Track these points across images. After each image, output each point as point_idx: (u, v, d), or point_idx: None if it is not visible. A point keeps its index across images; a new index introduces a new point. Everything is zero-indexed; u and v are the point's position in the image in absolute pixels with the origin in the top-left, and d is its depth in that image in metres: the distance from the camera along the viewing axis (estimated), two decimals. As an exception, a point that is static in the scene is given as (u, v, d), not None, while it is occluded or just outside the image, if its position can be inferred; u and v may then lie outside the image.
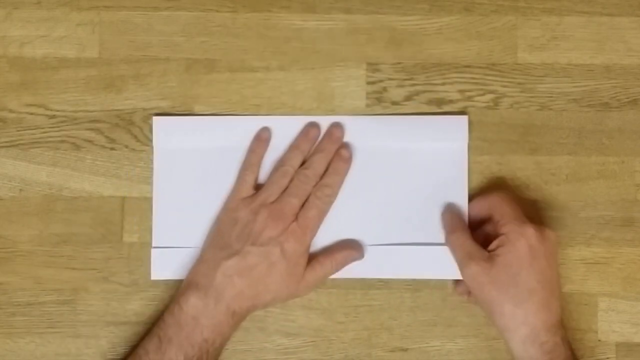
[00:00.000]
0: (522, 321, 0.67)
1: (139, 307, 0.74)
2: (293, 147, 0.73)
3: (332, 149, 0.73)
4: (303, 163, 0.73)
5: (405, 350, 0.74)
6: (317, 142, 0.74)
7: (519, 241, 0.67)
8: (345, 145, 0.73)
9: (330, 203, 0.72)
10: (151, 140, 0.74)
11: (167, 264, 0.73)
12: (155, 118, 0.73)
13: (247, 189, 0.72)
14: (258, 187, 0.72)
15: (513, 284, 0.67)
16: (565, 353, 0.66)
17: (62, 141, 0.75)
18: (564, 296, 0.73)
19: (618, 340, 0.74)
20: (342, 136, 0.74)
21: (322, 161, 0.72)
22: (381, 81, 0.75)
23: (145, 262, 0.74)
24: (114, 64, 0.75)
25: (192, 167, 0.74)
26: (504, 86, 0.75)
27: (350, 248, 0.73)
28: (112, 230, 0.74)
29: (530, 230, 0.68)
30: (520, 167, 0.74)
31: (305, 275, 0.70)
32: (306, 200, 0.71)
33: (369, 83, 0.75)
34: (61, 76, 0.75)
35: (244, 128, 0.74)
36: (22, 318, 0.73)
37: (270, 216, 0.70)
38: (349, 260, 0.72)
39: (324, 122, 0.74)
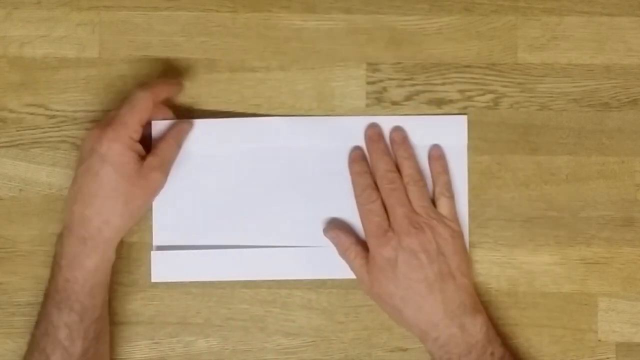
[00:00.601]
0: (409, 326, 0.70)
1: (139, 307, 0.74)
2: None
3: (382, 146, 0.74)
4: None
5: (405, 350, 0.74)
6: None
7: (377, 255, 0.70)
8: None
9: (148, 102, 0.69)
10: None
11: (168, 267, 0.73)
12: (153, 122, 0.73)
13: (99, 123, 0.69)
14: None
15: (388, 296, 0.69)
16: (465, 339, 0.68)
17: (62, 141, 0.75)
18: (563, 296, 0.73)
19: (618, 340, 0.74)
20: (381, 132, 0.74)
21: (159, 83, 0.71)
22: (381, 81, 0.75)
23: (145, 262, 0.74)
24: (114, 64, 0.75)
25: (193, 168, 0.74)
26: (504, 86, 0.75)
27: (183, 122, 0.72)
28: (112, 230, 0.74)
29: (383, 242, 0.69)
30: (520, 167, 0.74)
31: (146, 162, 0.68)
32: None
33: (369, 83, 0.75)
34: (61, 76, 0.75)
35: (243, 130, 0.74)
36: (22, 318, 0.73)
37: (94, 129, 0.68)
38: (185, 130, 0.72)
39: (327, 122, 0.74)
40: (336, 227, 0.73)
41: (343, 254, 0.72)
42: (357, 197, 0.72)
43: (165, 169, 0.70)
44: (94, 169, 0.67)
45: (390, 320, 0.73)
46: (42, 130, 0.75)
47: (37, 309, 0.72)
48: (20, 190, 0.74)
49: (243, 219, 0.73)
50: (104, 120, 0.69)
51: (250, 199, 0.74)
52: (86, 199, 0.67)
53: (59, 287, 0.66)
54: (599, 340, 0.74)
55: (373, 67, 0.75)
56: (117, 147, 0.67)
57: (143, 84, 0.70)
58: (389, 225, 0.70)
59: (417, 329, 0.69)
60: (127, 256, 0.74)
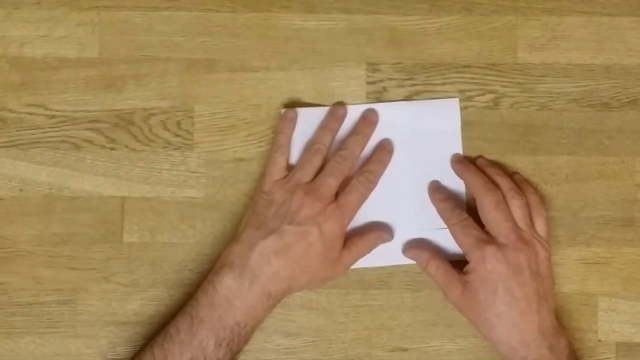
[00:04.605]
0: (497, 342, 0.68)
1: (139, 307, 0.74)
2: (322, 126, 0.73)
3: (368, 132, 0.73)
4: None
5: (405, 350, 0.74)
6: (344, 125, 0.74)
7: (480, 266, 0.68)
8: (387, 139, 0.74)
9: (371, 190, 0.72)
10: (152, 140, 0.74)
11: None
12: (284, 110, 0.74)
13: (280, 171, 0.72)
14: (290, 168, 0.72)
15: (482, 310, 0.68)
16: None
17: (62, 141, 0.75)
18: (563, 296, 0.73)
19: (618, 340, 0.74)
20: (377, 120, 0.74)
21: (357, 143, 0.73)
22: (381, 81, 0.75)
23: (145, 262, 0.74)
24: (114, 64, 0.75)
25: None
26: (504, 86, 0.75)
27: (380, 229, 0.73)
28: (112, 230, 0.74)
29: (489, 253, 0.68)
30: (520, 167, 0.74)
31: (341, 256, 0.70)
32: (347, 184, 0.71)
33: (369, 83, 0.75)
34: (61, 76, 0.75)
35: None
36: (22, 318, 0.73)
37: (308, 195, 0.69)
38: (379, 242, 0.73)
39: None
40: (414, 246, 0.73)
41: (425, 269, 0.72)
42: (447, 220, 0.72)
43: (349, 267, 0.72)
44: (308, 239, 0.68)
45: (390, 320, 0.74)
46: (42, 130, 0.75)
47: (37, 309, 0.73)
48: (20, 190, 0.74)
49: None
50: (316, 186, 0.70)
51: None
52: (290, 260, 0.68)
53: (226, 325, 0.67)
54: (599, 340, 0.74)
55: (373, 67, 0.75)
56: (337, 233, 0.69)
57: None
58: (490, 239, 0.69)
59: (507, 346, 0.68)
60: (127, 256, 0.74)
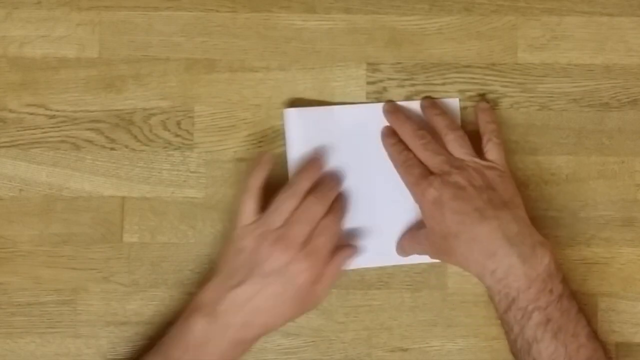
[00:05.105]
0: (467, 263, 0.67)
1: (139, 307, 0.74)
2: (300, 172, 0.71)
3: (341, 178, 0.73)
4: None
5: (405, 350, 0.74)
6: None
7: (423, 202, 0.69)
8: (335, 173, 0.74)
9: (339, 231, 0.70)
10: (152, 140, 0.74)
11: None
12: (286, 110, 0.73)
13: (250, 215, 0.69)
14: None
15: (444, 240, 0.68)
16: (525, 272, 0.64)
17: (62, 141, 0.75)
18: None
19: (618, 340, 0.74)
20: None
21: (332, 188, 0.71)
22: (381, 81, 0.75)
23: (145, 262, 0.74)
24: (114, 64, 0.75)
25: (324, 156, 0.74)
26: (504, 86, 0.75)
27: (346, 246, 0.72)
28: (112, 230, 0.74)
29: (425, 185, 0.68)
30: (520, 167, 0.74)
31: (315, 292, 0.69)
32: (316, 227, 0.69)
33: (369, 83, 0.75)
34: (61, 76, 0.75)
35: (367, 115, 0.74)
36: (22, 318, 0.73)
37: (276, 244, 0.67)
38: (348, 259, 0.72)
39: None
40: (397, 245, 0.73)
41: (408, 255, 0.73)
42: (394, 162, 0.72)
43: (328, 293, 0.71)
44: (278, 289, 0.67)
45: (390, 320, 0.74)
46: (42, 130, 0.75)
47: (37, 309, 0.73)
48: (20, 190, 0.74)
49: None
50: (286, 233, 0.68)
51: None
52: (261, 309, 0.67)
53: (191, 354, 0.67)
54: (599, 340, 0.74)
55: (373, 67, 0.75)
56: (310, 279, 0.68)
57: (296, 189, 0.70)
58: (430, 173, 0.69)
59: (474, 263, 0.66)
60: (127, 256, 0.74)
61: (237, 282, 0.67)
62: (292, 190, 0.69)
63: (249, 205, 0.69)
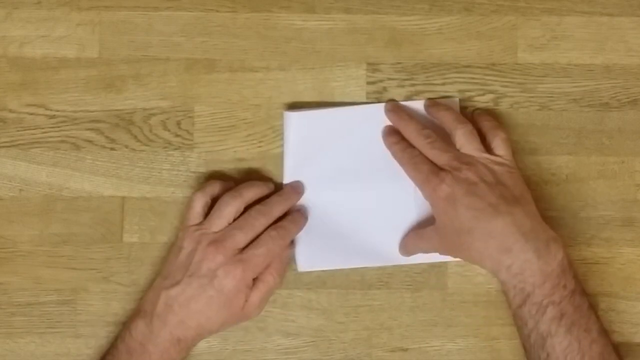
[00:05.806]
0: (481, 259, 0.67)
1: (139, 307, 0.74)
2: (249, 184, 0.72)
3: (293, 199, 0.72)
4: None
5: (405, 350, 0.74)
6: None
7: (435, 198, 0.68)
8: (302, 206, 0.73)
9: (280, 247, 0.70)
10: (152, 140, 0.74)
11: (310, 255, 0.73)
12: (286, 113, 0.73)
13: (194, 216, 0.70)
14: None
15: (457, 237, 0.67)
16: (540, 267, 0.65)
17: (62, 141, 0.75)
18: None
19: (618, 340, 0.73)
20: (303, 192, 0.73)
21: (279, 205, 0.71)
22: (381, 81, 0.75)
23: (145, 262, 0.74)
24: (114, 64, 0.75)
25: (323, 159, 0.74)
26: (504, 86, 0.75)
27: (272, 271, 0.71)
28: (112, 230, 0.74)
29: (436, 182, 0.68)
30: (520, 167, 0.74)
31: (250, 300, 0.69)
32: (257, 238, 0.69)
33: (369, 83, 0.75)
34: (61, 76, 0.75)
35: (367, 116, 0.74)
36: (22, 318, 0.73)
37: (211, 246, 0.68)
38: (285, 263, 0.72)
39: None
40: (400, 245, 0.73)
41: (412, 254, 0.72)
42: (399, 160, 0.72)
43: (264, 305, 0.71)
44: (208, 292, 0.67)
45: (390, 320, 0.74)
46: (42, 130, 0.75)
47: (37, 309, 0.73)
48: (20, 190, 0.74)
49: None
50: (222, 238, 0.68)
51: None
52: (193, 311, 0.68)
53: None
54: (599, 340, 0.74)
55: (373, 67, 0.75)
56: (238, 287, 0.68)
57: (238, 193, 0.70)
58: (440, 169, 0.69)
59: (489, 258, 0.66)
60: (127, 256, 0.74)
61: (173, 282, 0.68)
62: (236, 194, 0.70)
63: (195, 207, 0.71)
